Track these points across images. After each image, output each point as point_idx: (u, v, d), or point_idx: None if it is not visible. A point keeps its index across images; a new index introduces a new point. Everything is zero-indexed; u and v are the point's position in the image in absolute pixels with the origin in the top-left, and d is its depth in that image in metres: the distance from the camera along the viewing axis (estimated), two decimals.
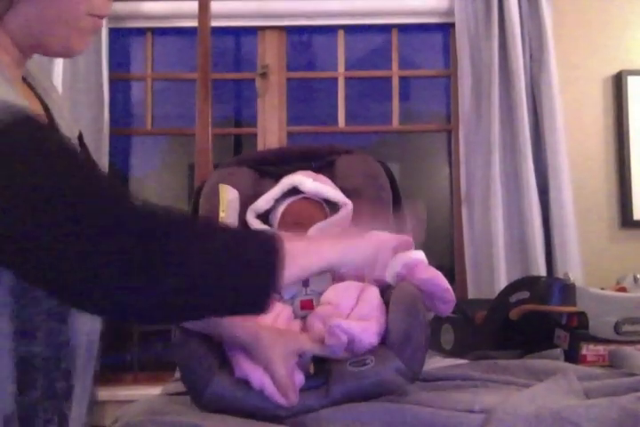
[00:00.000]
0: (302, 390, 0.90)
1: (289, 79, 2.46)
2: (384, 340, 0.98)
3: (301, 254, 0.66)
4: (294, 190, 1.30)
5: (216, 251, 0.58)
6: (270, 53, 2.43)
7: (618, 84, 2.30)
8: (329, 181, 1.33)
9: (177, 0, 2.31)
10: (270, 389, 0.88)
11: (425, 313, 1.01)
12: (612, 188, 2.29)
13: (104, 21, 0.76)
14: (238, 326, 0.94)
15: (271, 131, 2.40)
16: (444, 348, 1.63)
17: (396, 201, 1.39)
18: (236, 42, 2.67)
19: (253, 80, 2.39)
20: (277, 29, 2.43)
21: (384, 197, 1.36)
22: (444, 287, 1.08)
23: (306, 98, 2.70)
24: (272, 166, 1.45)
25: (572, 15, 2.32)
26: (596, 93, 2.32)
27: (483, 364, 1.12)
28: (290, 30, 2.48)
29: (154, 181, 2.89)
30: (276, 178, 1.42)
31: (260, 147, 2.38)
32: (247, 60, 2.56)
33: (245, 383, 0.90)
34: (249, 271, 0.59)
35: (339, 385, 0.89)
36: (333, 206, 1.30)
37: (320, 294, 1.12)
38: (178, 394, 1.03)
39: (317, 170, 1.41)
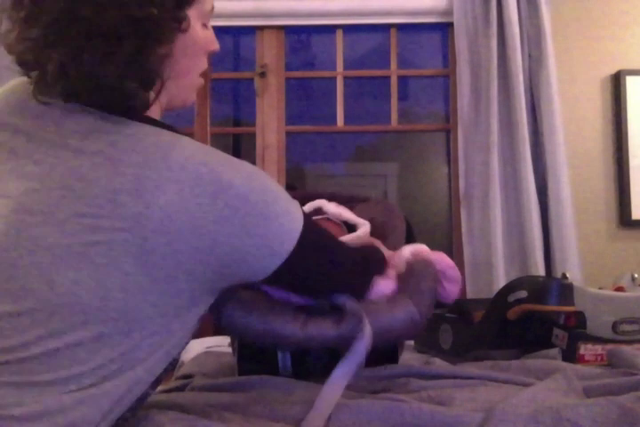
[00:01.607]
0: (318, 317, 0.94)
1: (287, 79, 2.46)
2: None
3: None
4: (317, 212, 1.37)
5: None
6: (269, 53, 2.43)
7: (616, 83, 2.30)
8: (349, 210, 1.42)
9: None
10: None
11: (434, 268, 1.09)
12: (611, 187, 2.29)
13: None
14: None
15: (270, 130, 2.40)
16: (442, 348, 1.63)
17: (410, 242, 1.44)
18: (235, 41, 2.67)
19: (252, 79, 2.40)
20: (276, 29, 2.43)
21: (398, 225, 1.43)
22: (450, 265, 1.14)
23: (304, 97, 2.70)
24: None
25: (571, 15, 2.33)
26: (595, 93, 2.33)
27: (482, 364, 1.13)
28: (288, 30, 2.48)
29: None
30: None
31: (258, 146, 2.39)
32: (246, 59, 2.56)
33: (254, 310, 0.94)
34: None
35: (351, 318, 0.92)
36: (352, 229, 1.36)
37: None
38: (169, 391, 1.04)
39: None
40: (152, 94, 0.79)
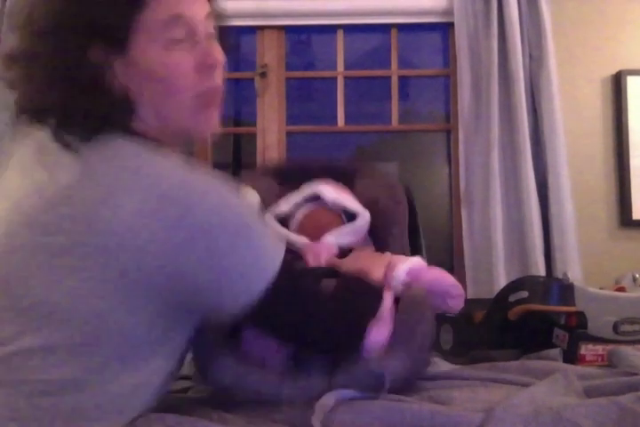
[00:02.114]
0: (305, 371, 0.91)
1: (288, 79, 2.46)
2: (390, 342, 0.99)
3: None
4: (314, 198, 1.32)
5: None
6: (269, 53, 2.42)
7: (617, 83, 2.30)
8: (348, 192, 1.37)
9: None
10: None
11: (432, 318, 1.02)
12: (612, 187, 2.29)
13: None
14: None
15: (270, 130, 2.40)
16: (443, 348, 1.63)
17: (412, 220, 1.41)
18: (235, 41, 2.67)
19: (252, 80, 2.39)
20: (276, 29, 2.43)
21: (400, 210, 1.39)
22: (450, 283, 1.10)
23: (305, 97, 2.70)
24: (291, 179, 1.49)
25: (572, 15, 2.32)
26: (596, 93, 2.32)
27: (482, 366, 1.12)
28: (289, 30, 2.48)
29: None
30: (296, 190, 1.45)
31: (259, 147, 2.39)
32: (246, 59, 2.56)
33: (248, 362, 0.91)
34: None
35: (343, 373, 0.90)
36: (351, 217, 1.32)
37: None
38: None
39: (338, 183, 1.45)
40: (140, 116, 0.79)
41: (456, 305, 1.12)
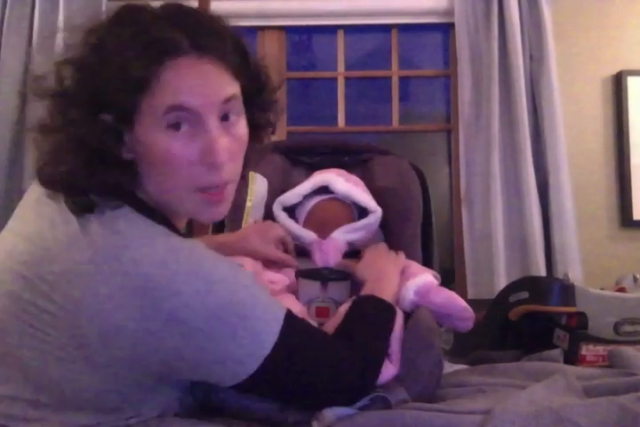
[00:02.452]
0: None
1: (289, 79, 2.46)
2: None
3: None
4: (324, 188, 1.28)
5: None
6: (270, 53, 2.42)
7: (618, 84, 2.30)
8: (361, 183, 1.31)
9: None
10: None
11: (440, 349, 0.98)
12: (612, 188, 2.29)
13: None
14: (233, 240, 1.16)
15: None
16: (443, 348, 1.62)
17: (426, 211, 1.38)
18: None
19: None
20: (277, 29, 2.43)
21: (414, 207, 1.35)
22: (460, 307, 1.06)
23: (306, 98, 2.70)
24: (305, 156, 1.44)
25: (572, 15, 2.32)
26: (596, 93, 2.32)
27: (480, 368, 1.11)
28: (289, 30, 2.48)
29: None
30: (308, 168, 1.40)
31: None
32: None
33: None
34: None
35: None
36: (362, 210, 1.28)
37: (338, 303, 1.08)
38: None
39: (350, 166, 1.39)
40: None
41: (465, 327, 1.08)
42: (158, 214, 0.79)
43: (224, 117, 0.78)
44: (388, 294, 0.99)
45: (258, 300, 0.77)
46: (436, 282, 1.11)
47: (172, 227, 0.79)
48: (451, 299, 1.07)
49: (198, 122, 0.75)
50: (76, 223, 0.73)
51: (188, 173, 0.76)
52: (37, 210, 0.78)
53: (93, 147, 0.73)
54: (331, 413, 0.80)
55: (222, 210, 0.82)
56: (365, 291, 1.01)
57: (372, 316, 0.93)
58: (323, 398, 0.82)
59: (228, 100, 0.77)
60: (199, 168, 0.76)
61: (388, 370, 0.91)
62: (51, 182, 0.76)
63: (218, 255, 0.78)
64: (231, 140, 0.78)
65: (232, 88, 0.79)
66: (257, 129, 0.88)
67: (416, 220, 1.34)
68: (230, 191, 0.81)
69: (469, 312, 1.07)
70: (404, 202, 1.34)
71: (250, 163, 0.89)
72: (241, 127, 0.81)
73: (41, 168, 0.77)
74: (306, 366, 0.79)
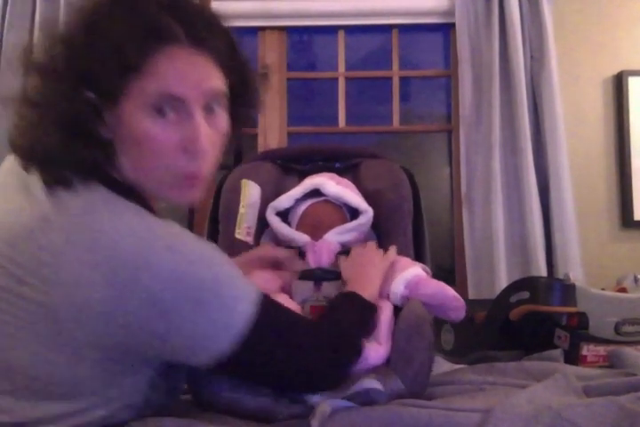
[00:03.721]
0: (301, 399, 0.89)
1: (289, 79, 2.47)
2: (387, 360, 0.97)
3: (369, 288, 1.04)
4: (316, 192, 1.29)
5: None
6: (271, 54, 2.43)
7: (618, 84, 2.30)
8: (352, 185, 1.33)
9: None
10: None
11: (431, 336, 0.99)
12: (613, 188, 2.29)
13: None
14: None
15: (271, 131, 2.40)
16: (444, 348, 1.63)
17: (417, 211, 1.39)
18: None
19: None
20: (278, 30, 2.43)
21: (405, 207, 1.36)
22: (450, 297, 1.08)
23: (306, 98, 2.70)
24: (296, 163, 1.46)
25: (573, 15, 2.32)
26: (597, 94, 2.32)
27: (480, 367, 1.12)
28: (290, 30, 2.48)
29: None
30: (300, 175, 1.42)
31: (260, 147, 2.39)
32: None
33: (243, 384, 0.89)
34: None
35: (339, 393, 0.88)
36: (354, 211, 1.29)
37: None
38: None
39: (341, 171, 1.41)
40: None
41: (457, 317, 1.10)
42: (134, 194, 0.79)
43: (209, 109, 0.80)
44: (366, 293, 1.01)
45: (233, 279, 0.77)
46: (425, 274, 1.13)
47: (147, 207, 0.80)
48: (440, 289, 1.09)
49: (184, 110, 0.77)
50: (49, 202, 0.73)
51: (168, 160, 0.77)
52: (9, 186, 0.78)
53: (73, 123, 0.74)
54: (327, 407, 0.81)
55: (197, 194, 0.83)
56: (347, 290, 1.03)
57: (349, 312, 0.95)
58: (294, 381, 0.84)
59: (215, 92, 0.80)
60: (180, 155, 0.77)
61: (378, 352, 0.94)
62: (26, 155, 0.76)
63: (193, 234, 0.78)
64: (213, 131, 0.80)
65: (220, 82, 0.81)
66: (237, 124, 0.90)
67: (407, 219, 1.36)
68: (207, 178, 0.83)
69: (460, 301, 1.08)
70: (395, 202, 1.35)
71: (225, 156, 0.89)
72: (223, 121, 0.83)
73: (16, 140, 0.77)
74: (277, 347, 0.80)
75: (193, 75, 0.77)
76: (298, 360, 0.82)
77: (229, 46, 0.83)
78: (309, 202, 1.29)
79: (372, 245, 1.20)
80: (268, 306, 0.80)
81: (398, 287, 1.09)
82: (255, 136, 2.41)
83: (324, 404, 0.81)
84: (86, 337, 0.70)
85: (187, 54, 0.77)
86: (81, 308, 0.69)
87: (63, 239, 0.70)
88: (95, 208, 0.73)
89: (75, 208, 0.73)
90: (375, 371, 0.93)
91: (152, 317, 0.70)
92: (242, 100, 0.89)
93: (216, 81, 0.80)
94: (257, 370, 0.80)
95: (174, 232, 0.76)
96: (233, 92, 0.85)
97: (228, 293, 0.75)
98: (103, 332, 0.70)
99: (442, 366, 1.30)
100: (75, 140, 0.74)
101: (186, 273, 0.72)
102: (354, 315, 0.95)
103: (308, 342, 0.83)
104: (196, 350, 0.75)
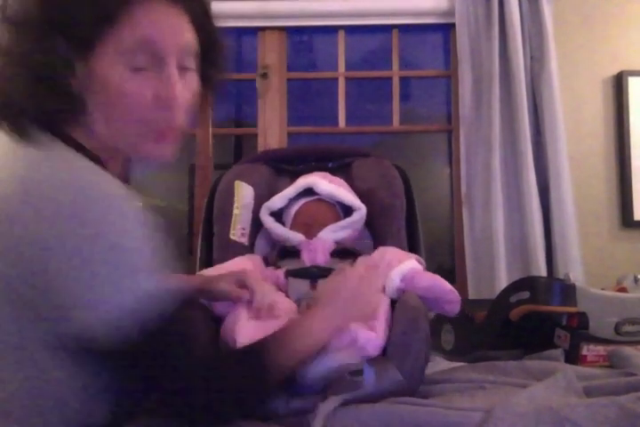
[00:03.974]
0: (300, 394, 0.90)
1: (289, 80, 2.46)
2: (384, 351, 0.97)
3: (296, 340, 0.85)
4: (309, 191, 1.30)
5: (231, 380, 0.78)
6: (271, 54, 2.43)
7: (618, 84, 2.30)
8: (344, 184, 1.34)
9: None
10: None
11: (427, 327, 0.99)
12: (613, 188, 2.29)
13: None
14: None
15: (271, 131, 2.40)
16: (444, 348, 1.63)
17: (410, 208, 1.40)
18: (237, 42, 2.67)
19: (254, 80, 2.40)
20: (278, 30, 2.43)
21: (397, 204, 1.37)
22: (446, 290, 1.09)
23: (306, 98, 2.70)
24: (289, 164, 1.47)
25: (573, 15, 2.32)
26: (597, 94, 2.32)
27: (480, 366, 1.12)
28: (290, 31, 2.48)
29: (154, 182, 2.89)
30: (292, 176, 1.43)
31: (260, 147, 2.39)
32: (247, 60, 2.56)
33: None
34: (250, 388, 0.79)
35: (336, 393, 0.88)
36: (348, 209, 1.30)
37: None
38: None
39: (334, 171, 1.42)
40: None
41: (452, 310, 1.11)
42: (91, 155, 0.78)
43: (182, 68, 0.81)
44: (318, 326, 0.88)
45: (144, 258, 0.72)
46: (420, 267, 1.14)
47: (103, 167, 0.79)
48: (435, 281, 1.10)
49: (159, 65, 0.78)
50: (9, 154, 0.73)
51: (141, 114, 0.78)
52: None
53: (42, 72, 0.73)
54: (331, 402, 0.81)
55: (170, 148, 0.82)
56: (304, 314, 0.96)
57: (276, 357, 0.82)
58: (170, 388, 0.74)
59: (189, 46, 0.81)
60: (153, 110, 0.78)
61: (373, 340, 0.94)
62: None
63: (143, 211, 0.74)
64: (186, 90, 0.81)
65: (193, 37, 0.83)
66: (205, 86, 0.91)
67: (400, 215, 1.37)
68: (179, 132, 0.83)
69: (455, 295, 1.10)
70: (387, 199, 1.37)
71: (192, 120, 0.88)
72: (194, 80, 0.85)
73: None
74: (157, 349, 0.72)
75: (169, 26, 0.78)
76: (173, 367, 0.73)
77: (202, 8, 0.85)
78: (302, 201, 1.30)
79: (371, 262, 1.15)
80: (165, 302, 0.71)
81: (394, 281, 1.10)
82: (255, 136, 2.41)
83: (325, 402, 0.81)
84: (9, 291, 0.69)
85: (164, 7, 0.78)
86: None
87: (8, 192, 0.70)
88: (51, 164, 0.72)
89: (30, 163, 0.72)
90: (373, 361, 0.93)
91: (51, 267, 0.67)
92: (211, 60, 0.90)
93: (189, 35, 0.82)
94: (138, 365, 0.73)
95: (121, 194, 0.73)
96: (202, 52, 0.86)
97: (134, 268, 0.70)
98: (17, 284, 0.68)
99: (441, 364, 1.31)
100: (41, 90, 0.73)
101: (114, 225, 0.69)
102: (277, 366, 0.81)
103: (187, 358, 0.74)
104: (95, 299, 0.68)
